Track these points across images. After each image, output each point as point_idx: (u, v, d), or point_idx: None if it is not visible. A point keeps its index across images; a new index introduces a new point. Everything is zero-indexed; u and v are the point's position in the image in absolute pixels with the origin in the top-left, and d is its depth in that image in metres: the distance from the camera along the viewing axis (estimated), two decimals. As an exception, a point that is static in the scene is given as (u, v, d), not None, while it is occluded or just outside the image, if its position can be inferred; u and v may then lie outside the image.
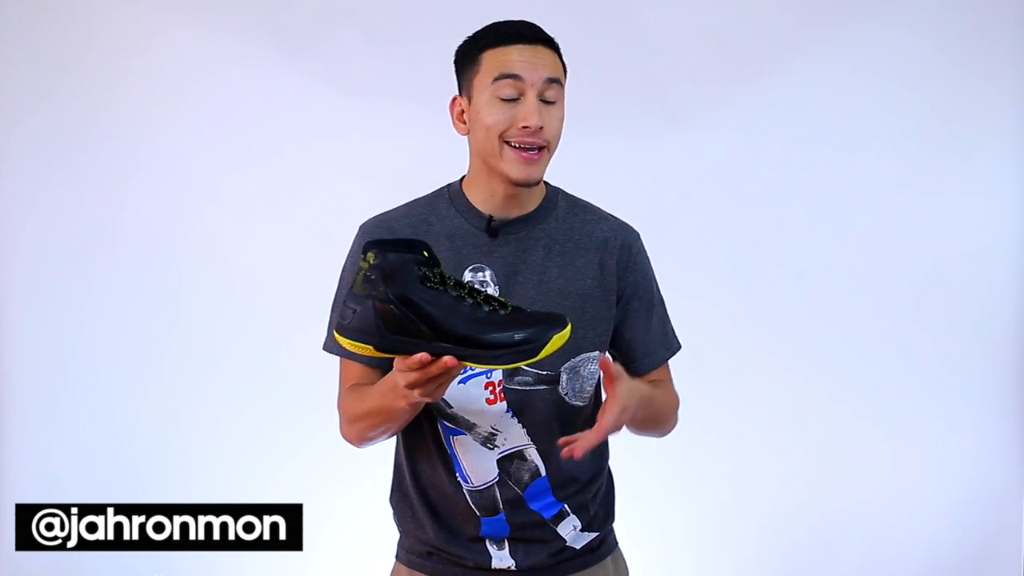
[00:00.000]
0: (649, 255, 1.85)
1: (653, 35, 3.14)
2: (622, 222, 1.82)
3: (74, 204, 3.15)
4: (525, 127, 1.66)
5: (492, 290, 1.72)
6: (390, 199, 1.86)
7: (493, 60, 1.68)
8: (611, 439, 1.83)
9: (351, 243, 1.81)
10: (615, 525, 1.91)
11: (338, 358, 1.80)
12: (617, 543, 1.91)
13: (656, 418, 1.78)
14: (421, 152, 2.47)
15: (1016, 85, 3.13)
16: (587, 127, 2.95)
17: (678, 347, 1.87)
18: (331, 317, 1.81)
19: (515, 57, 1.67)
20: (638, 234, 1.83)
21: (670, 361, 1.89)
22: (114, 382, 3.17)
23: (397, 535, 1.89)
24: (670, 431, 1.87)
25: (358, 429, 1.73)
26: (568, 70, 1.78)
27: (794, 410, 3.17)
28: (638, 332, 1.79)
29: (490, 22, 1.74)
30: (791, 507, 3.17)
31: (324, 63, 3.13)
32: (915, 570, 3.18)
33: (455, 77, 1.77)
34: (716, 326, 3.13)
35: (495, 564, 1.78)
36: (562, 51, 1.75)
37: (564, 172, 1.89)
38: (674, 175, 3.12)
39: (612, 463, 1.91)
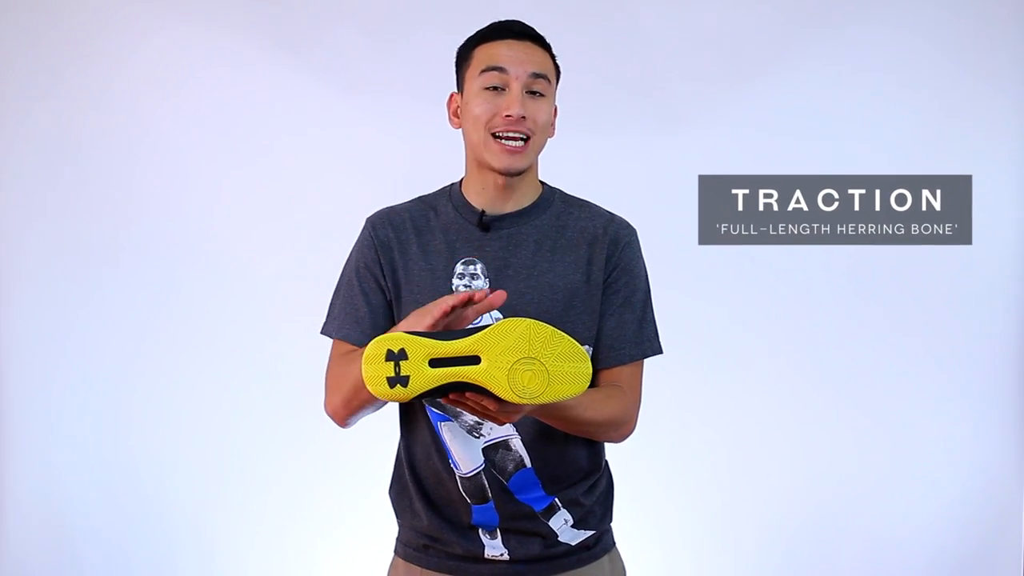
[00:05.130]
0: (648, 254, 1.84)
1: (653, 35, 3.15)
2: (617, 218, 1.83)
3: (72, 203, 3.17)
4: (508, 116, 1.71)
5: (482, 283, 1.76)
6: (390, 197, 1.89)
7: (482, 54, 1.77)
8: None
9: (356, 237, 1.86)
10: (613, 525, 1.90)
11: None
12: (615, 543, 1.90)
13: (579, 425, 1.71)
14: (421, 150, 2.50)
15: (1016, 85, 3.12)
16: (587, 127, 3.03)
17: (655, 352, 1.82)
18: (332, 302, 1.84)
19: (502, 51, 1.75)
20: (633, 230, 1.83)
21: (663, 371, 1.88)
22: (114, 381, 3.18)
23: (396, 531, 1.90)
24: (617, 439, 1.81)
25: (340, 398, 1.75)
26: (569, 71, 1.84)
27: (793, 409, 3.15)
28: (607, 325, 1.77)
29: (490, 22, 1.82)
30: (790, 506, 3.16)
31: (324, 62, 3.15)
32: (915, 569, 3.16)
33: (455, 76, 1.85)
34: (714, 325, 3.14)
35: (488, 553, 1.79)
36: (561, 51, 1.81)
37: (564, 171, 1.91)
38: (674, 175, 3.11)
39: (610, 463, 1.89)
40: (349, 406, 1.75)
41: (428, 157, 2.05)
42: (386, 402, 1.74)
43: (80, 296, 3.18)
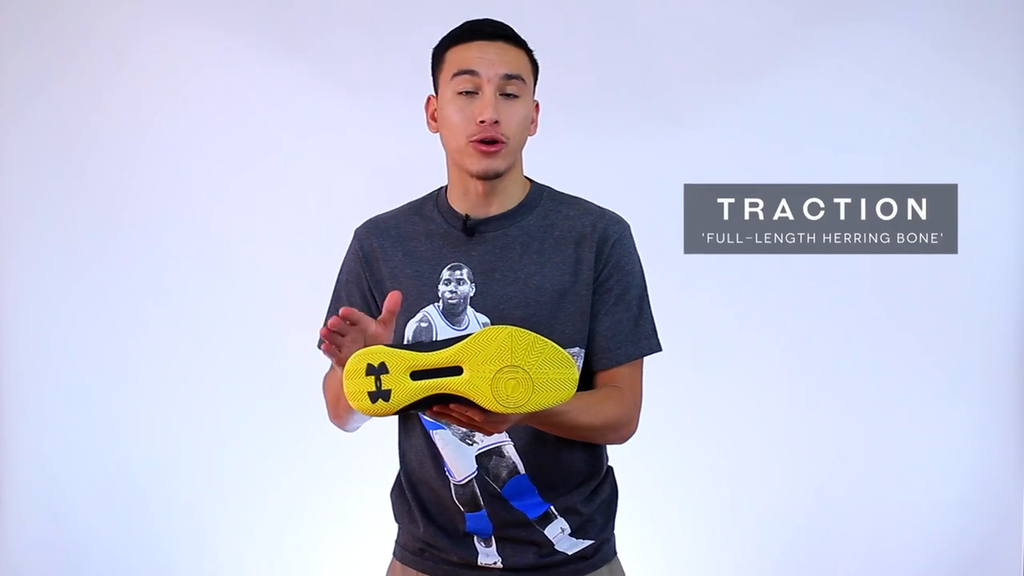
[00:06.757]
0: (648, 254, 1.82)
1: (653, 35, 3.14)
2: (608, 213, 1.79)
3: (70, 203, 3.16)
4: (481, 122, 1.68)
5: (468, 287, 1.73)
6: (389, 198, 1.89)
7: (454, 57, 1.73)
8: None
9: (348, 244, 1.85)
10: (615, 532, 1.88)
11: None
12: (616, 553, 1.87)
13: (575, 431, 1.69)
14: (421, 150, 2.48)
15: (1016, 85, 3.12)
16: (572, 133, 3.02)
17: (653, 350, 1.78)
18: (326, 318, 1.82)
19: (473, 53, 1.72)
20: (625, 225, 1.79)
21: (661, 370, 1.87)
22: (113, 382, 3.18)
23: (395, 533, 1.90)
24: (618, 441, 1.78)
25: (329, 408, 1.82)
26: (554, 75, 1.82)
27: (793, 411, 3.15)
28: (602, 324, 1.74)
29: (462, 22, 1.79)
30: (790, 508, 3.16)
31: (324, 62, 3.14)
32: (915, 569, 3.16)
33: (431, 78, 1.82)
34: (715, 327, 3.14)
35: (481, 561, 1.78)
36: (548, 55, 1.80)
37: (549, 178, 1.89)
38: (659, 183, 3.10)
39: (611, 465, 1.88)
40: (338, 415, 1.78)
41: (427, 158, 2.04)
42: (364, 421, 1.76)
43: (78, 296, 3.17)
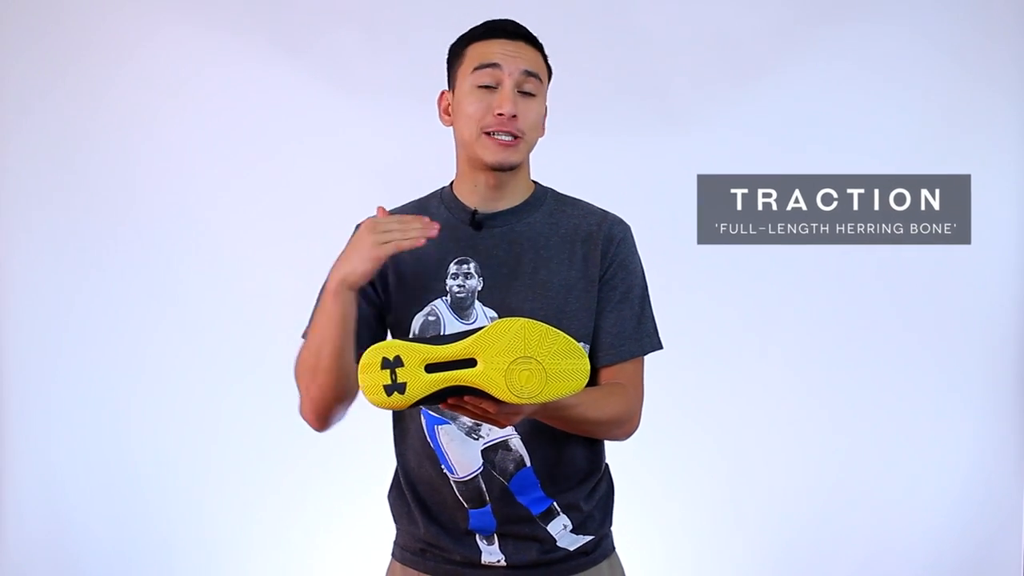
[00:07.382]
0: (647, 254, 1.83)
1: (654, 35, 3.15)
2: (611, 215, 1.82)
3: (71, 202, 3.17)
4: (500, 114, 1.70)
5: (476, 282, 1.75)
6: (389, 198, 1.87)
7: (475, 52, 1.76)
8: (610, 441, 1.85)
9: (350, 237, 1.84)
10: (613, 529, 1.87)
11: None
12: (614, 548, 1.87)
13: (581, 425, 1.70)
14: (420, 151, 2.51)
15: (1015, 85, 3.12)
16: (586, 127, 3.04)
17: (655, 347, 1.80)
18: (315, 306, 1.82)
19: (495, 49, 1.75)
20: (627, 227, 1.81)
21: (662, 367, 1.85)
22: (114, 382, 3.18)
23: (394, 533, 1.89)
24: (622, 437, 1.79)
25: (300, 392, 1.80)
26: (568, 70, 1.87)
27: (792, 409, 3.15)
28: (606, 322, 1.76)
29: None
30: (790, 508, 3.15)
31: (324, 62, 3.15)
32: (914, 569, 3.15)
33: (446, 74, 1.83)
34: (715, 326, 3.13)
35: (484, 559, 1.77)
36: (560, 51, 1.83)
37: (563, 171, 1.90)
38: (673, 174, 3.10)
39: (608, 463, 1.88)
40: (311, 403, 1.77)
41: (427, 158, 2.07)
42: (347, 398, 1.73)
43: (79, 295, 3.18)
